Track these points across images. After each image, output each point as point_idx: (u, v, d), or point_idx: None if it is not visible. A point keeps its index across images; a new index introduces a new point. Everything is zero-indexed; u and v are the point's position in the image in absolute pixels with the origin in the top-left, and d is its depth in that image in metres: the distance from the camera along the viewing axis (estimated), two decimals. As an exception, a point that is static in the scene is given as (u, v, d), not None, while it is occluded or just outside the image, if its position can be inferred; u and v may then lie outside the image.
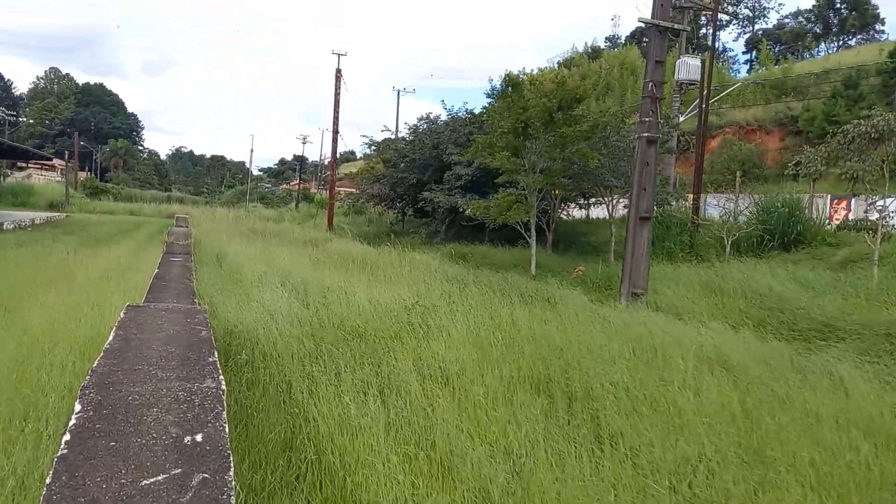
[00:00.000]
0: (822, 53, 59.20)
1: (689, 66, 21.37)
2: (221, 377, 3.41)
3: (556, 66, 63.33)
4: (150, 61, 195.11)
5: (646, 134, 10.62)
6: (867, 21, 57.93)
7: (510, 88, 14.01)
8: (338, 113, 33.58)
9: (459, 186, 23.29)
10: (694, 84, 21.86)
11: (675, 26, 10.54)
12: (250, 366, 5.63)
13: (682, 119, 19.06)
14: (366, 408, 4.73)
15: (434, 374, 5.47)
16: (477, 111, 28.79)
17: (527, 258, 17.99)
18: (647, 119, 10.60)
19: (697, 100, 21.16)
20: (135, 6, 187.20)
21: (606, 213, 21.38)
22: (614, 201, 16.30)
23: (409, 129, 32.62)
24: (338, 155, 36.26)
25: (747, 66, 66.60)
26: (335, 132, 33.93)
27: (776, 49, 68.19)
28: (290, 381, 5.47)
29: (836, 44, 63.18)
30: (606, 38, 78.80)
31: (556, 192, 19.34)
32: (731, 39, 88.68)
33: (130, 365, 3.57)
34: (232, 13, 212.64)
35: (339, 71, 33.51)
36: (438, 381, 5.36)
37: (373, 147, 36.81)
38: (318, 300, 8.84)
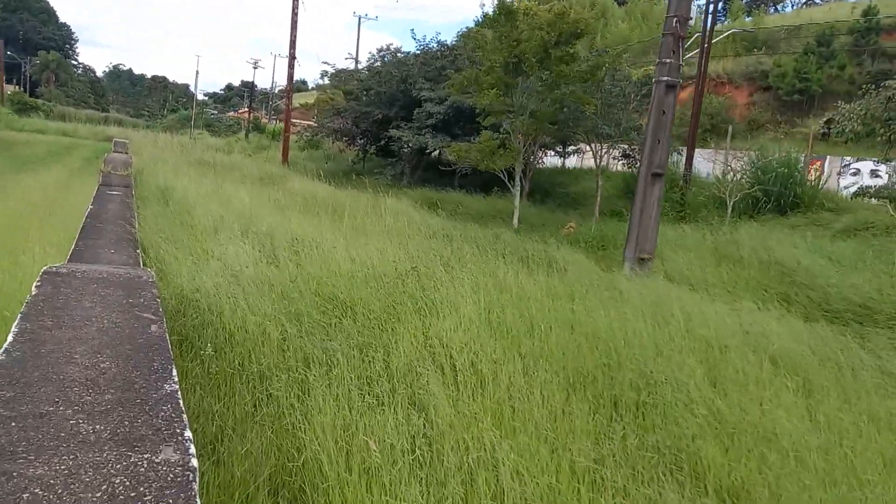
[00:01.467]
0: (789, 9, 58.53)
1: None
2: (189, 437, 2.08)
3: (490, 13, 60.83)
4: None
5: (665, 78, 9.34)
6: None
7: (503, 17, 12.41)
8: (295, 35, 30.90)
9: (430, 126, 21.66)
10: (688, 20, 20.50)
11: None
12: (217, 355, 4.28)
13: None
14: (382, 428, 3.49)
15: (464, 376, 4.23)
16: (449, 43, 26.92)
17: (505, 208, 16.80)
18: (667, 60, 9.30)
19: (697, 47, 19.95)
20: None
21: (589, 162, 20.26)
22: (603, 151, 15.15)
23: (370, 60, 30.45)
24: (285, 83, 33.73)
25: (716, 17, 65.42)
26: (291, 57, 31.31)
27: (744, 1, 67.24)
28: (270, 378, 4.17)
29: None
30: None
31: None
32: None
33: (30, 407, 2.18)
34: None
35: (297, -10, 30.63)
36: (470, 386, 4.13)
37: (327, 77, 34.40)
38: (288, 256, 7.43)
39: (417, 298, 6.12)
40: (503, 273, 7.34)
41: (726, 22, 53.11)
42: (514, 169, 13.84)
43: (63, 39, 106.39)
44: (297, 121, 50.15)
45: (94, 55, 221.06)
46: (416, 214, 12.72)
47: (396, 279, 6.52)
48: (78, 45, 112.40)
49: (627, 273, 9.26)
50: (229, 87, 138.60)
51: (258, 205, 11.84)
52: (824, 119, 10.34)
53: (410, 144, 21.29)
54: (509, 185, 14.27)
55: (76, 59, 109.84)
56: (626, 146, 16.10)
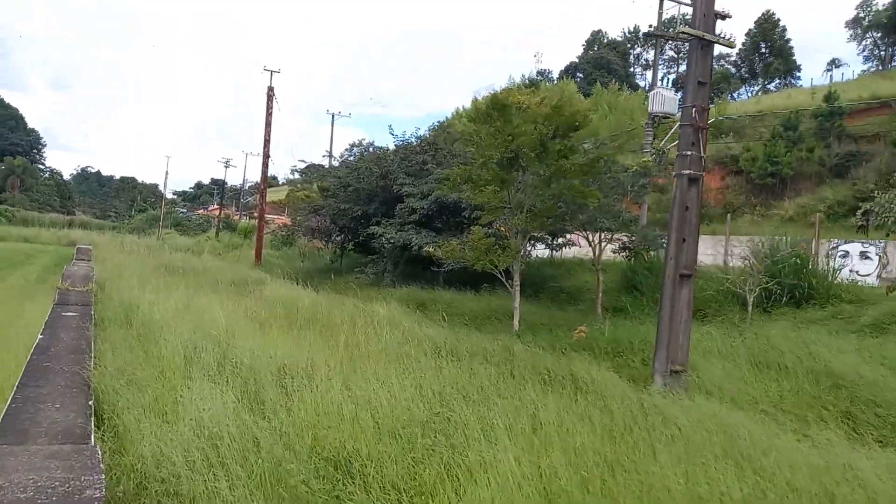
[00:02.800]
0: (744, 97, 61.09)
1: (664, 99, 20.03)
2: None
3: (458, 109, 62.51)
4: (54, 75, 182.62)
5: (687, 171, 8.63)
6: (790, 66, 60.38)
7: (496, 112, 11.85)
8: (269, 134, 30.61)
9: (413, 221, 20.87)
10: (668, 117, 20.55)
11: (721, 41, 8.66)
12: None
13: (648, 156, 17.52)
14: None
15: None
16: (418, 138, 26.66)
17: (499, 307, 15.76)
18: (688, 153, 8.61)
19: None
20: (39, 19, 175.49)
21: (578, 253, 19.54)
22: (600, 242, 14.37)
23: (343, 156, 30.24)
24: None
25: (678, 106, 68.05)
26: (265, 155, 30.89)
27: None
28: None
29: (756, 88, 65.59)
30: (538, 73, 79.14)
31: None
32: (659, 79, 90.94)
33: None
34: (147, 28, 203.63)
35: (270, 89, 30.63)
36: None
37: (297, 172, 33.95)
38: (275, 398, 6.17)
39: (443, 454, 4.91)
40: (534, 405, 6.18)
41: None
42: (511, 267, 12.90)
43: (31, 144, 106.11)
44: (270, 215, 49.35)
45: (64, 159, 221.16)
46: (410, 322, 11.56)
47: (413, 428, 5.31)
48: (46, 149, 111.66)
49: (660, 388, 8.16)
50: (199, 185, 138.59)
51: (234, 320, 10.57)
52: (860, 210, 9.66)
53: (393, 241, 20.37)
54: (507, 284, 13.27)
55: (43, 164, 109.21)
56: (625, 238, 15.39)
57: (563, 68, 74.71)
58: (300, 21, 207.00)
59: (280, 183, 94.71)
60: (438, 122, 55.56)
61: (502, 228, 13.36)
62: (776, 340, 9.42)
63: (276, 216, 58.72)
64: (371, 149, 31.15)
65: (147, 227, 69.86)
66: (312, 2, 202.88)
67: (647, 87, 78.76)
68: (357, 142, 27.70)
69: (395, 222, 21.68)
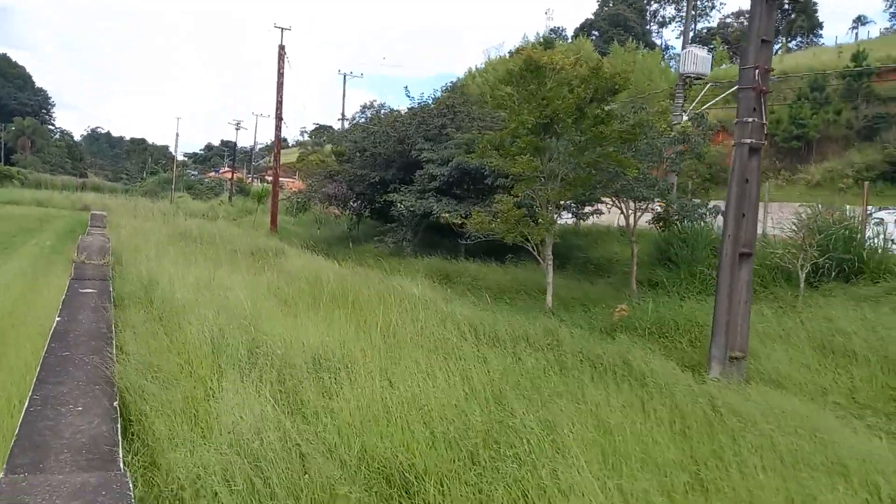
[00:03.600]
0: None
1: (696, 58, 18.93)
2: None
3: (472, 69, 60.52)
4: (61, 34, 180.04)
5: (748, 140, 7.88)
6: (814, 24, 58.17)
7: (529, 74, 10.99)
8: (281, 95, 29.72)
9: (433, 188, 20.17)
10: (701, 78, 19.50)
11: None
12: None
13: (685, 118, 16.55)
14: None
15: None
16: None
17: (528, 280, 15.20)
18: (749, 119, 7.85)
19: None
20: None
21: (604, 221, 18.85)
22: (635, 212, 13.62)
23: (354, 119, 29.46)
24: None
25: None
26: (278, 118, 30.06)
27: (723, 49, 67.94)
28: None
29: (777, 46, 63.26)
30: (551, 31, 76.80)
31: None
32: (675, 37, 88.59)
33: None
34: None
35: (282, 47, 29.62)
36: None
37: (307, 134, 33.14)
38: (314, 397, 5.66)
39: (510, 470, 4.39)
40: (595, 403, 5.64)
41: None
42: (544, 240, 12.25)
43: (39, 104, 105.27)
44: (283, 179, 48.62)
45: (72, 119, 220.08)
46: (440, 298, 11.02)
47: (472, 437, 4.78)
48: (55, 109, 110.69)
49: (718, 376, 7.61)
50: (209, 147, 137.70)
51: (259, 299, 10.06)
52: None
53: (415, 210, 19.72)
54: (538, 257, 12.65)
55: (53, 124, 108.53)
56: (659, 207, 14.62)
57: (577, 26, 72.58)
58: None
59: (290, 145, 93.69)
60: (451, 82, 54.18)
61: (532, 197, 12.63)
62: (840, 322, 8.79)
63: (287, 179, 58.00)
64: (383, 111, 30.16)
65: (159, 189, 69.41)
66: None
67: (663, 46, 76.24)
68: (368, 103, 26.92)
69: (413, 189, 20.99)
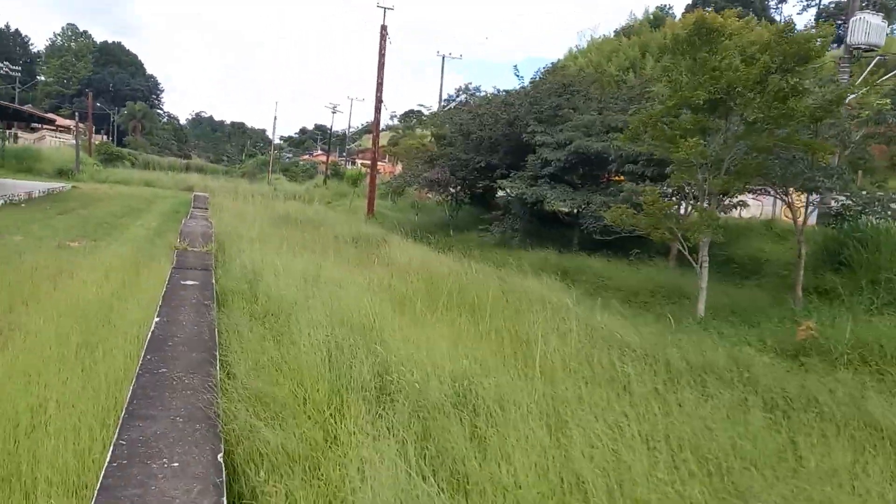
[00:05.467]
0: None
1: (869, 27, 16.11)
2: None
3: (581, 45, 57.22)
4: (171, 22, 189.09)
5: None
6: None
7: (698, 39, 9.09)
8: (382, 77, 28.69)
9: (547, 174, 18.46)
10: (873, 50, 16.68)
11: None
12: None
13: (874, 97, 13.76)
14: None
15: None
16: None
17: (663, 282, 13.31)
18: None
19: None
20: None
21: (751, 216, 16.51)
22: (807, 206, 11.37)
23: (449, 103, 28.07)
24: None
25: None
26: (378, 100, 29.08)
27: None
28: None
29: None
30: (657, 8, 72.37)
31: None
32: (796, 13, 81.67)
33: None
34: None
35: (384, 28, 28.55)
36: None
37: (395, 119, 31.98)
38: (463, 448, 4.25)
39: None
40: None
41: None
42: (700, 238, 10.37)
43: (149, 90, 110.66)
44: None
45: (179, 104, 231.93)
46: (573, 303, 9.40)
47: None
48: (164, 94, 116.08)
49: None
50: (303, 131, 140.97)
51: (373, 299, 8.82)
52: None
53: (525, 196, 18.11)
54: (690, 258, 10.77)
55: (161, 109, 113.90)
56: (840, 200, 12.26)
57: (689, 2, 67.79)
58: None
59: (381, 129, 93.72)
60: (552, 63, 51.72)
61: (679, 188, 10.73)
62: None
63: (379, 163, 57.55)
64: (478, 94, 28.55)
65: (257, 171, 71.16)
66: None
67: (782, 20, 69.97)
68: (463, 86, 25.60)
69: (524, 175, 19.35)
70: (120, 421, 4.22)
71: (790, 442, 4.80)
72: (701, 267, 10.55)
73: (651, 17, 57.45)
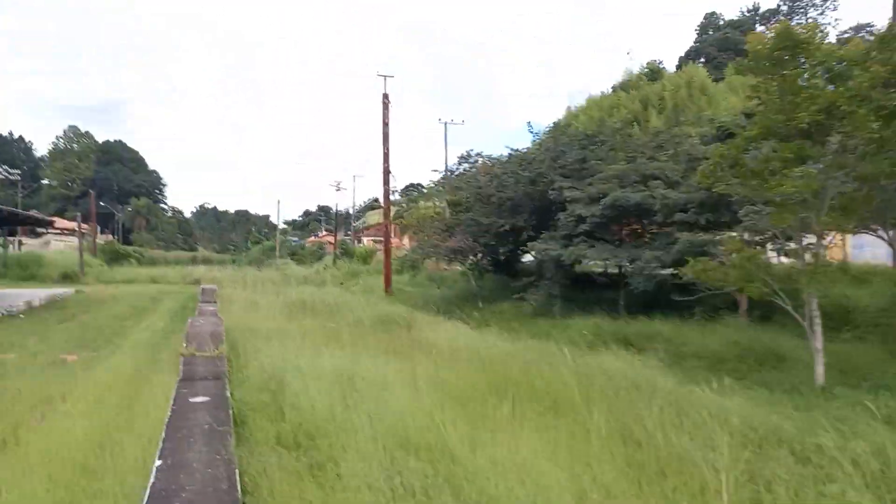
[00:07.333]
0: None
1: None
2: None
3: (571, 108, 57.16)
4: (171, 119, 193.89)
5: None
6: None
7: (783, 54, 7.69)
8: (388, 147, 27.74)
9: (582, 232, 16.92)
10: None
11: None
12: None
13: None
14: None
15: None
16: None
17: (745, 342, 11.49)
18: None
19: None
20: (155, 73, 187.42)
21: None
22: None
23: (454, 170, 27.23)
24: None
25: None
26: (386, 171, 28.03)
27: None
28: None
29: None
30: (644, 66, 73.04)
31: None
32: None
33: None
34: (249, 72, 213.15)
35: (385, 96, 27.80)
36: None
37: (396, 193, 30.89)
38: None
39: None
40: None
41: None
42: (806, 289, 8.71)
43: (152, 185, 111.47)
44: (371, 237, 46.90)
45: (183, 197, 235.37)
46: (686, 391, 7.61)
47: None
48: (167, 189, 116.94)
49: None
50: (307, 213, 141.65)
51: (427, 399, 7.08)
52: None
53: (563, 258, 16.51)
54: (796, 315, 9.04)
55: (165, 203, 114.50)
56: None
57: (682, 54, 68.36)
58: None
59: (382, 204, 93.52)
60: (554, 122, 51.25)
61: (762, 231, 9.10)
62: None
63: (374, 238, 56.38)
64: (481, 159, 27.48)
65: (263, 258, 70.12)
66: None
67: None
68: (466, 153, 24.88)
69: (556, 235, 17.82)
70: None
71: None
72: (812, 324, 8.80)
73: (647, 70, 57.51)
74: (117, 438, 6.31)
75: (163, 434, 6.18)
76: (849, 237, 17.16)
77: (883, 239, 10.41)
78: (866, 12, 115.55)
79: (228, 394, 7.95)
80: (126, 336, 16.25)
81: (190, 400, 7.65)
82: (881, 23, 51.60)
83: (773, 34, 8.04)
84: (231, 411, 7.15)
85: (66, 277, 43.16)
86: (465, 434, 5.86)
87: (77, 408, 7.55)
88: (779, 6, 74.24)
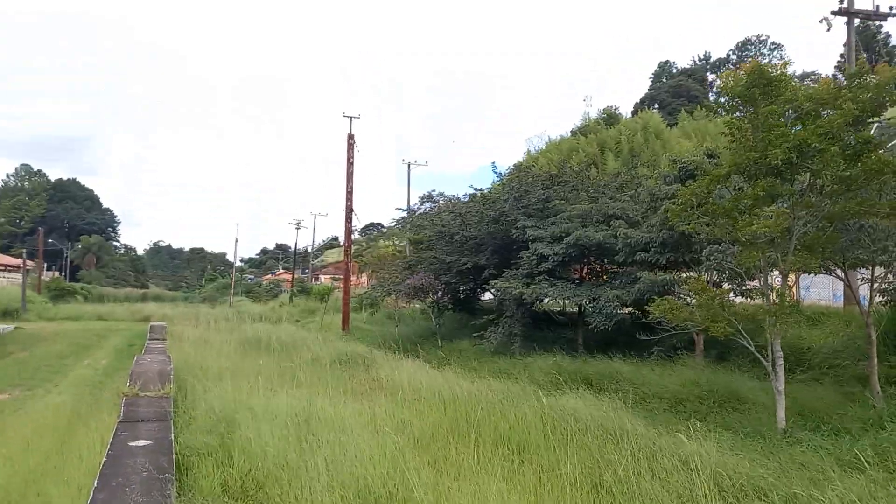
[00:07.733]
0: None
1: None
2: None
3: (531, 151, 58.45)
4: (127, 157, 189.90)
5: None
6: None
7: (757, 92, 7.73)
8: (351, 186, 27.50)
9: (544, 271, 16.85)
10: None
11: None
12: None
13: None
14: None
15: None
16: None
17: (705, 383, 11.40)
18: None
19: None
20: (112, 108, 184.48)
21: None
22: (872, 282, 9.87)
23: (415, 210, 27.20)
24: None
25: None
26: (349, 209, 27.72)
27: None
28: None
29: None
30: (602, 111, 75.20)
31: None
32: None
33: None
34: (210, 108, 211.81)
35: (350, 136, 27.71)
36: None
37: (356, 232, 30.63)
38: None
39: None
40: None
41: None
42: (769, 330, 8.69)
43: (106, 223, 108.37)
44: (330, 275, 46.24)
45: (137, 235, 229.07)
46: (653, 432, 7.38)
47: None
48: (121, 227, 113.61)
49: None
50: (264, 251, 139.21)
51: (387, 442, 6.67)
52: None
53: (524, 296, 16.36)
54: (759, 355, 8.97)
55: (118, 241, 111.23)
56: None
57: (637, 101, 70.61)
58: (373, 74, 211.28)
59: (342, 244, 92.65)
60: (514, 164, 51.90)
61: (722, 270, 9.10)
62: None
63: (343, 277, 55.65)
64: (442, 199, 27.48)
65: (218, 295, 68.28)
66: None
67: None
68: (427, 193, 25.02)
69: (518, 273, 17.70)
70: None
71: None
72: (775, 365, 8.75)
73: (604, 115, 59.07)
74: (43, 488, 5.72)
75: (95, 483, 5.64)
76: (795, 277, 17.50)
77: (841, 279, 10.52)
78: (811, 61, 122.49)
79: (172, 437, 7.40)
80: (65, 374, 15.34)
81: (129, 444, 7.10)
82: (826, 71, 54.32)
83: (745, 73, 8.17)
84: (174, 456, 6.62)
85: (7, 314, 41.11)
86: (430, 482, 5.49)
87: (0, 452, 6.88)
88: (728, 55, 77.80)
